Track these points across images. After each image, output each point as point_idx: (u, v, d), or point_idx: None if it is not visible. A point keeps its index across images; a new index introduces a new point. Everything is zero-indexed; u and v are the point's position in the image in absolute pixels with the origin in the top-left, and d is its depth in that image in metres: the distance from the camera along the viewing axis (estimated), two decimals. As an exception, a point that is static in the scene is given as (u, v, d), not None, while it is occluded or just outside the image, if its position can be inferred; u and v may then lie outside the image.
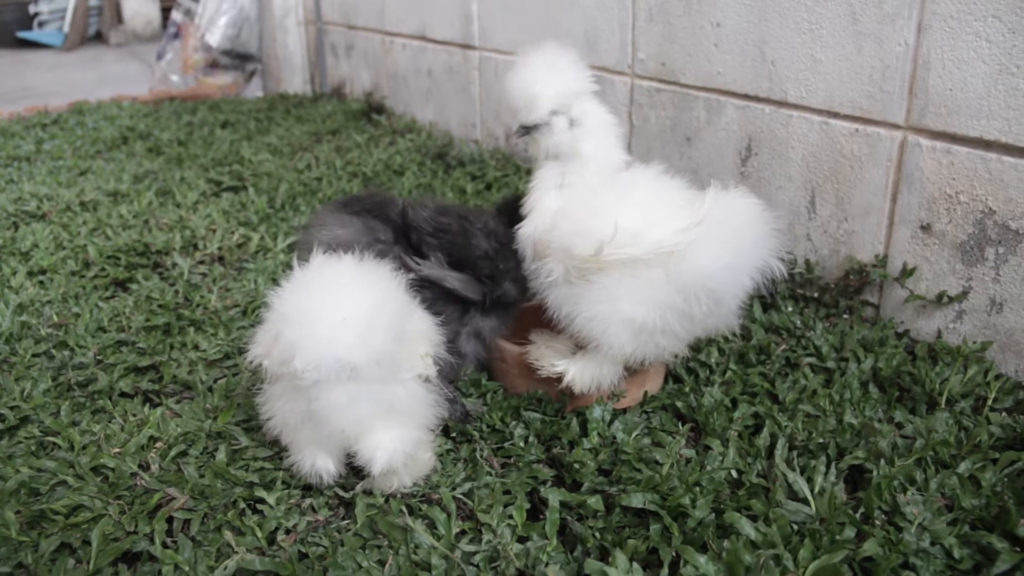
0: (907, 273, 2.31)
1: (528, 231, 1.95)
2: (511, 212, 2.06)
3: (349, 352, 1.53)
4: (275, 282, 2.46)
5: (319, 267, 1.66)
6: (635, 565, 1.49)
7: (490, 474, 1.82)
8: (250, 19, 6.19)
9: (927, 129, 2.20)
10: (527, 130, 1.93)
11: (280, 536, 1.66)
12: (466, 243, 2.00)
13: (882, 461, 1.76)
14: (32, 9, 11.03)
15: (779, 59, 2.55)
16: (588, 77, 1.94)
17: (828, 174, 2.47)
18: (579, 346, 1.99)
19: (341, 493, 1.79)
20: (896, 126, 2.27)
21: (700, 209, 1.78)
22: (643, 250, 1.76)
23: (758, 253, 1.79)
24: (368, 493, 1.77)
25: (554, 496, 1.68)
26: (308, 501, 1.76)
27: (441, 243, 2.00)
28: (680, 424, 1.99)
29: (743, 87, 2.69)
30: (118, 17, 11.38)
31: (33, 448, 1.95)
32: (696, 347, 2.25)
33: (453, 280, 1.96)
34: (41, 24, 11.04)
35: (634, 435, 1.91)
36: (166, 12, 10.68)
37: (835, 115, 2.43)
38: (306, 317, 1.55)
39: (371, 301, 1.58)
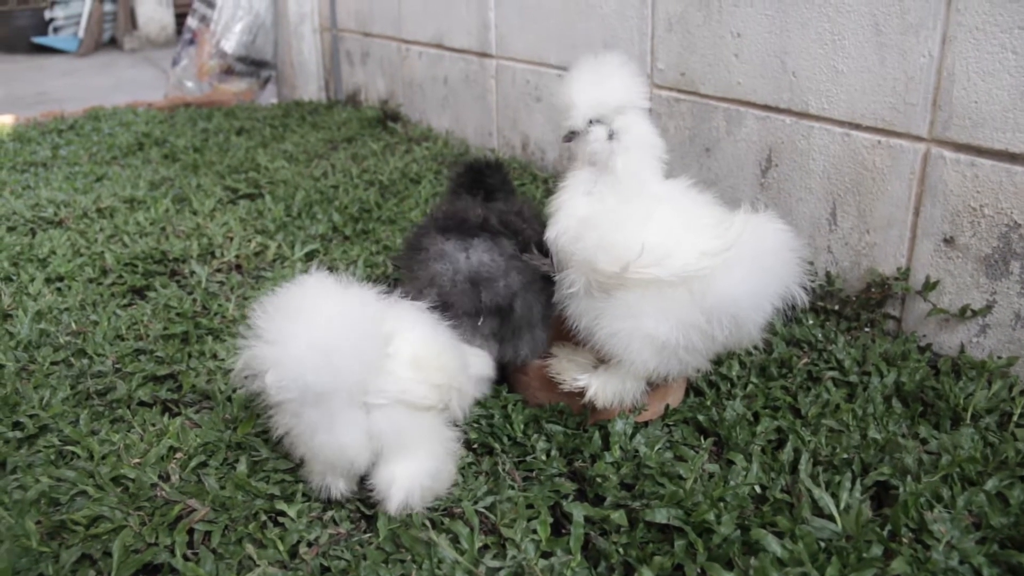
0: (930, 286, 2.29)
1: (552, 234, 1.94)
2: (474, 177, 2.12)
3: (316, 376, 1.52)
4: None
5: (300, 288, 1.64)
6: (661, 582, 1.48)
7: (512, 488, 1.81)
8: (265, 26, 6.21)
9: (951, 141, 2.19)
10: (569, 135, 1.93)
11: (302, 549, 1.65)
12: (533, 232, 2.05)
13: (908, 477, 1.74)
14: (47, 15, 11.10)
15: (800, 70, 2.53)
16: (639, 92, 1.91)
17: (850, 186, 2.46)
18: (601, 360, 1.98)
19: (362, 507, 1.78)
20: (919, 138, 2.26)
21: (730, 233, 1.77)
22: (668, 273, 1.75)
23: (783, 280, 1.78)
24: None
25: (578, 511, 1.67)
26: (330, 514, 1.76)
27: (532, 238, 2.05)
28: (702, 438, 1.98)
29: (763, 98, 2.68)
30: (132, 23, 11.44)
31: (52, 457, 1.95)
32: (717, 360, 2.23)
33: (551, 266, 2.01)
34: (56, 30, 11.11)
35: (656, 449, 1.90)
36: (180, 18, 10.74)
37: (857, 127, 2.41)
38: (279, 337, 1.55)
39: (342, 326, 1.57)
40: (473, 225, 1.98)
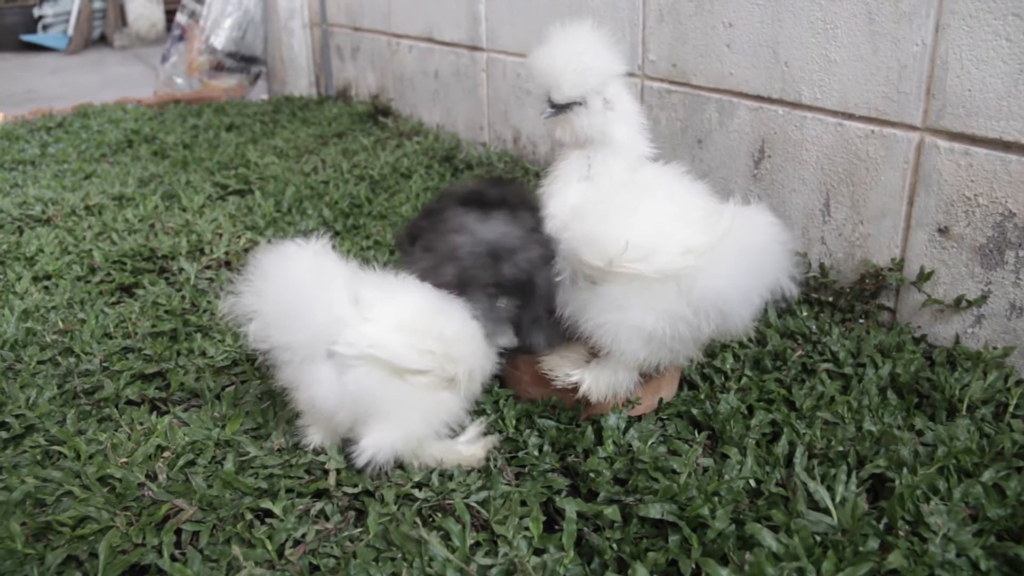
0: (924, 277, 2.27)
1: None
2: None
3: (276, 332, 1.72)
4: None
5: (279, 251, 1.78)
6: (654, 578, 1.46)
7: (504, 484, 1.79)
8: (255, 21, 6.16)
9: (945, 130, 2.17)
10: (559, 109, 1.86)
11: (289, 548, 1.62)
12: None
13: (904, 470, 1.72)
14: (36, 12, 11.03)
15: (793, 59, 2.51)
16: (620, 59, 1.88)
17: (843, 176, 2.44)
18: (593, 354, 1.96)
19: (349, 491, 1.78)
20: (913, 127, 2.24)
21: (717, 227, 1.74)
22: (653, 269, 1.73)
23: (771, 275, 1.75)
24: (381, 500, 1.74)
25: (571, 507, 1.65)
26: (318, 506, 1.73)
27: None
28: (696, 432, 1.96)
29: (756, 88, 2.66)
30: (122, 20, 11.37)
31: (39, 457, 1.92)
32: (711, 353, 2.21)
33: None
34: (45, 27, 11.04)
35: (650, 443, 1.88)
36: (170, 15, 10.65)
37: (850, 116, 2.39)
38: (255, 293, 1.73)
39: (294, 288, 1.72)
40: (492, 200, 1.92)
